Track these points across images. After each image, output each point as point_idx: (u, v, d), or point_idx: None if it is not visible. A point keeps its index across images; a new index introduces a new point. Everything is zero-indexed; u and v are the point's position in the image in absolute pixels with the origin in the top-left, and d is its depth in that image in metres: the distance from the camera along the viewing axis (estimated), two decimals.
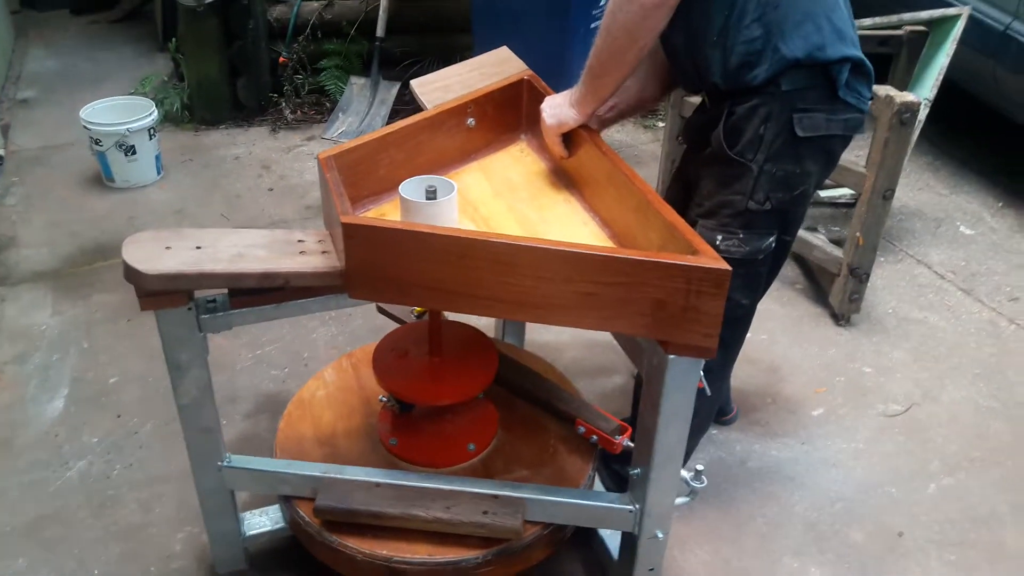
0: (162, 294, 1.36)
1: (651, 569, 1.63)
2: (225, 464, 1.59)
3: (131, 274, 1.32)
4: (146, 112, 3.32)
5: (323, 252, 1.42)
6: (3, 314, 2.60)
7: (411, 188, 1.44)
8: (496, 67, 1.77)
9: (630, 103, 1.73)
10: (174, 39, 4.03)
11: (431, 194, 1.43)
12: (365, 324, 2.58)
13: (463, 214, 1.52)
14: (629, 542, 1.63)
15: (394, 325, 1.95)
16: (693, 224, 1.57)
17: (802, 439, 2.22)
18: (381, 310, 2.05)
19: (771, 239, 1.59)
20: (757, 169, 1.51)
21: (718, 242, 1.56)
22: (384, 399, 1.78)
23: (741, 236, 1.56)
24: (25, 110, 4.06)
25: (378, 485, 1.57)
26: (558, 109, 1.57)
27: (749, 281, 1.64)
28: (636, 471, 1.52)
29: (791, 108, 1.48)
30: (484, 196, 1.60)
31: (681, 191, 1.77)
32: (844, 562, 1.87)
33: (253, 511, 1.77)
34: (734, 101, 1.51)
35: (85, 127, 3.27)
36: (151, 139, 3.34)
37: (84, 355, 2.43)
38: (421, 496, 1.56)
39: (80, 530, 1.89)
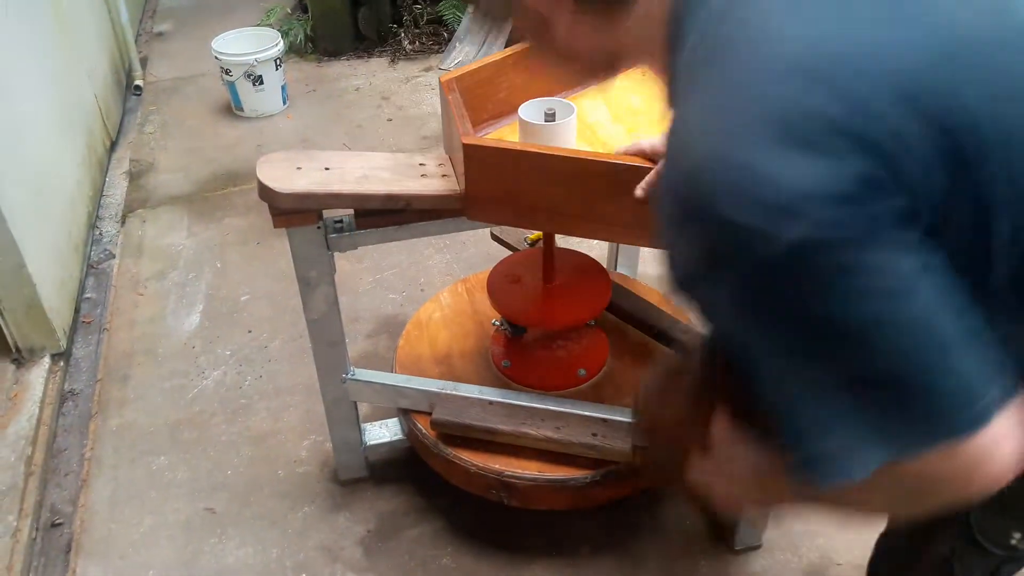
0: (294, 213, 1.42)
1: None
2: (349, 377, 1.67)
3: (265, 192, 1.39)
4: (272, 43, 3.42)
5: (443, 176, 1.45)
6: (144, 234, 2.78)
7: (530, 110, 1.44)
8: None
9: None
10: None
11: (550, 116, 1.43)
12: (478, 252, 2.63)
13: (581, 138, 1.51)
14: None
15: (507, 253, 1.98)
16: None
17: None
18: (495, 237, 2.08)
19: None
20: None
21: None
22: (497, 323, 1.82)
23: None
24: (161, 43, 4.26)
25: (491, 403, 1.62)
26: None
27: None
28: None
29: None
30: (603, 120, 1.58)
31: None
32: None
33: (374, 423, 1.86)
34: None
35: (216, 58, 3.40)
36: (277, 69, 3.44)
37: (217, 274, 2.58)
38: (532, 416, 1.60)
39: (215, 434, 2.04)
